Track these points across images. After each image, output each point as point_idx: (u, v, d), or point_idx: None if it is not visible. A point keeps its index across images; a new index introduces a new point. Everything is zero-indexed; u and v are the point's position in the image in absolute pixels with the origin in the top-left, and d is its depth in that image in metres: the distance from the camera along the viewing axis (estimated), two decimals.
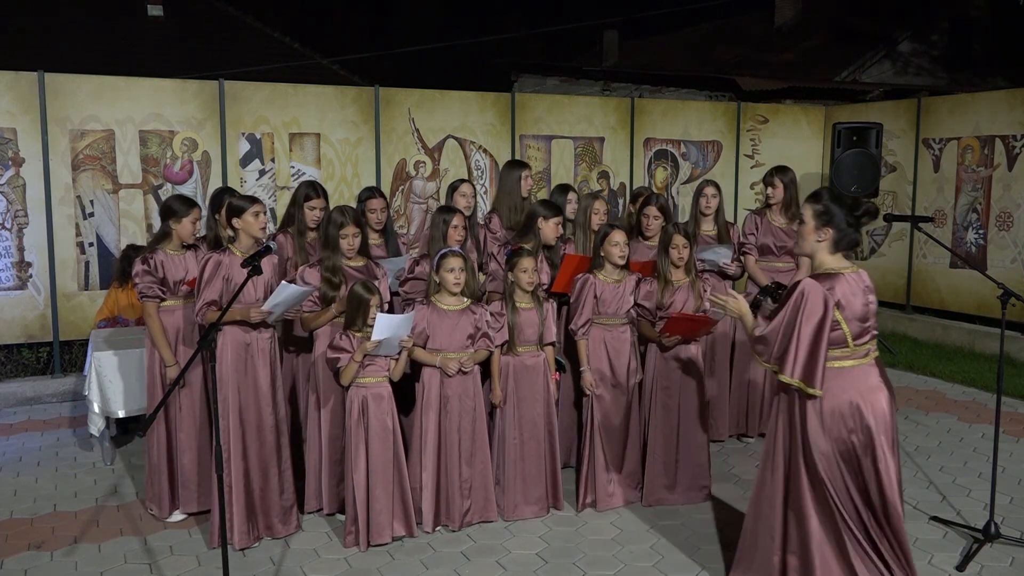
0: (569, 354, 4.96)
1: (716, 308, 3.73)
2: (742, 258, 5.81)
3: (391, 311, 4.71)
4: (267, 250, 3.80)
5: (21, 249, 6.78)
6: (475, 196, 5.62)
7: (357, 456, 4.20)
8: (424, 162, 8.11)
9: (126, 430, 5.90)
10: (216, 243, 4.86)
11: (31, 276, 6.83)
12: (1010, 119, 8.19)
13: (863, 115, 9.57)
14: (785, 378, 3.33)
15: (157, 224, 6.60)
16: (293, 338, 4.85)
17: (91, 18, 16.42)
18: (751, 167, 9.64)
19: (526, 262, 4.51)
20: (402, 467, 4.31)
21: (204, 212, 5.34)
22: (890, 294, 9.26)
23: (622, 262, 4.71)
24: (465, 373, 4.41)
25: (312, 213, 5.07)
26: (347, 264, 4.53)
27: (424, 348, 4.38)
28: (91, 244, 6.98)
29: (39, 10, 16.12)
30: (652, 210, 5.45)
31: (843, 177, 8.30)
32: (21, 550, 4.25)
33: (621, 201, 8.88)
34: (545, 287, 4.95)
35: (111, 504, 4.82)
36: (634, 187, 8.87)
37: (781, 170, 5.86)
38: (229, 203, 4.39)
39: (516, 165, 5.77)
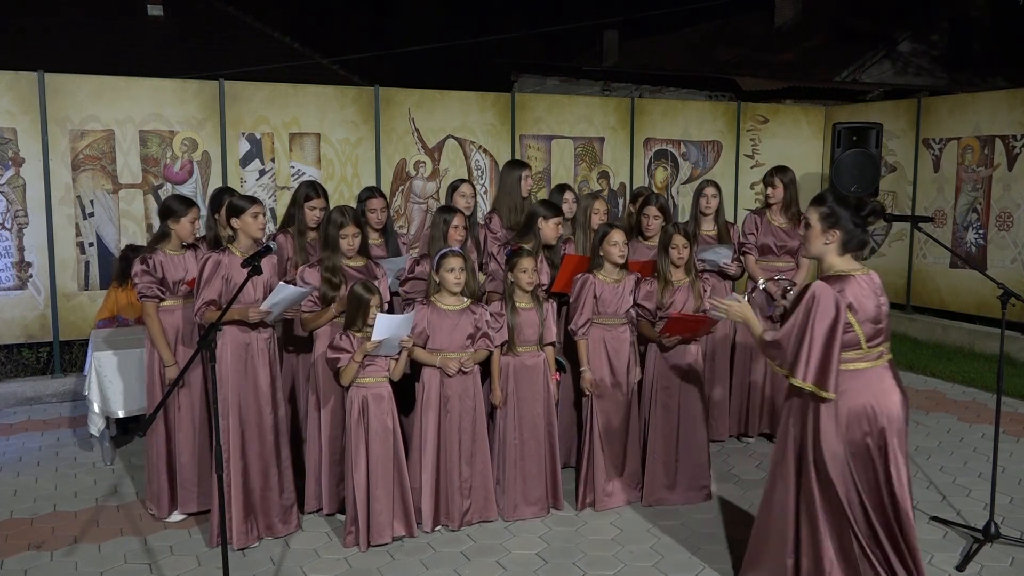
0: (569, 354, 4.96)
1: (718, 313, 3.70)
2: (742, 258, 5.81)
3: (391, 311, 4.71)
4: (267, 250, 3.80)
5: (21, 249, 6.78)
6: (475, 196, 5.62)
7: (357, 456, 4.20)
8: (424, 162, 8.11)
9: (126, 430, 5.90)
10: (216, 243, 4.86)
11: (31, 276, 6.83)
12: (1010, 119, 8.19)
13: (863, 115, 9.57)
14: (797, 382, 3.29)
15: (157, 224, 6.59)
16: (293, 338, 4.85)
17: (91, 18, 16.42)
18: (751, 167, 9.64)
19: (526, 262, 4.51)
20: (402, 467, 4.31)
21: (203, 212, 5.35)
22: (890, 294, 9.13)
23: (621, 261, 4.71)
24: (465, 373, 4.41)
25: (312, 213, 5.07)
26: (347, 264, 4.53)
27: (424, 348, 4.38)
28: (91, 244, 6.98)
29: (39, 10, 16.12)
30: (652, 210, 5.45)
31: (843, 177, 8.29)
32: (21, 550, 4.25)
33: (621, 201, 8.88)
34: (545, 287, 4.95)
35: (111, 504, 4.82)
36: (634, 187, 8.87)
37: (781, 170, 5.86)
38: (229, 202, 4.39)
39: (516, 165, 5.77)
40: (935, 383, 7.34)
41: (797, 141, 9.88)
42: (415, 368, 4.45)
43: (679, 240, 4.73)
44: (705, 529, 4.48)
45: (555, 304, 4.94)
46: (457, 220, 4.82)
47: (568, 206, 5.50)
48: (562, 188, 5.68)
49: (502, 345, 4.56)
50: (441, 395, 4.41)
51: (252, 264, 3.62)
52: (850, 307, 3.27)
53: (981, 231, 8.43)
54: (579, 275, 4.77)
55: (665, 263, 4.77)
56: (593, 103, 9.00)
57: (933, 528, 4.44)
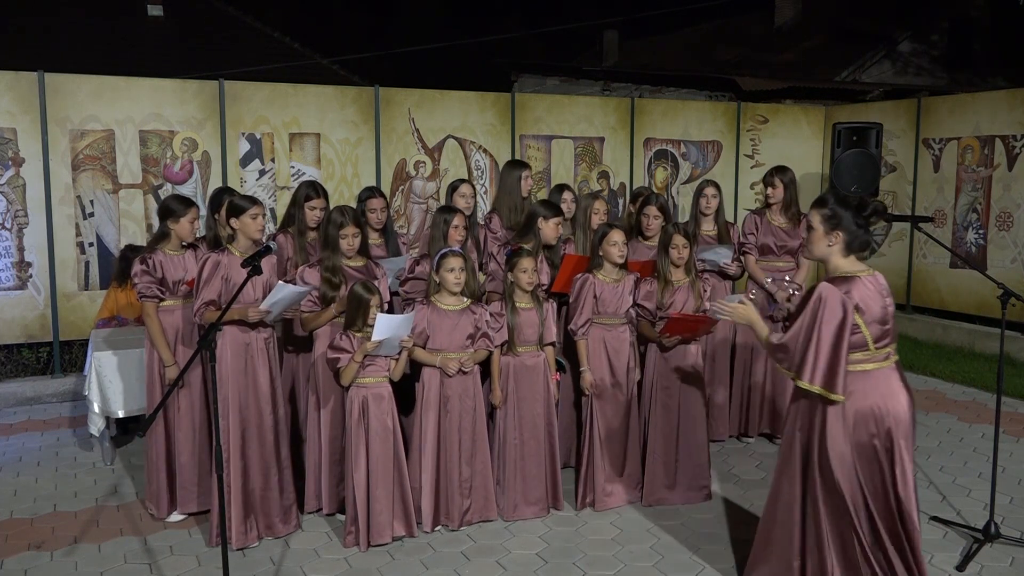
0: (568, 354, 4.96)
1: (722, 315, 3.68)
2: (742, 258, 5.81)
3: (391, 311, 4.71)
4: (267, 250, 3.80)
5: (21, 249, 6.78)
6: (475, 196, 5.62)
7: (357, 456, 4.20)
8: (424, 162, 8.11)
9: (126, 430, 5.90)
10: (215, 243, 4.86)
11: (31, 276, 6.83)
12: (1010, 119, 8.19)
13: (863, 115, 9.57)
14: (804, 384, 3.27)
15: (157, 224, 6.60)
16: (293, 338, 4.85)
17: (91, 18, 16.42)
18: (751, 167, 9.64)
19: (526, 262, 4.51)
20: (402, 467, 4.31)
21: (203, 212, 5.35)
22: None
23: (621, 261, 4.71)
24: (465, 373, 4.41)
25: (312, 213, 5.07)
26: (347, 264, 4.53)
27: (424, 348, 4.38)
28: (91, 244, 6.98)
29: (39, 10, 16.12)
30: (652, 210, 5.45)
31: (843, 177, 8.29)
32: (21, 550, 4.25)
33: (621, 201, 8.88)
34: (545, 287, 4.95)
35: (111, 504, 4.82)
36: (634, 187, 8.87)
37: (780, 170, 5.86)
38: (230, 202, 4.39)
39: (516, 165, 5.77)
40: (935, 383, 7.34)
41: (797, 141, 9.88)
42: (415, 368, 4.45)
43: (679, 240, 4.73)
44: (705, 529, 4.48)
45: (555, 304, 4.94)
46: (457, 220, 4.82)
47: (567, 206, 5.50)
48: (561, 188, 5.69)
49: (502, 345, 4.56)
50: (441, 395, 4.41)
51: (252, 264, 3.62)
52: (857, 308, 3.25)
53: (981, 231, 8.43)
54: (579, 275, 4.77)
55: (665, 263, 4.77)
56: (593, 103, 9.00)
57: (933, 528, 4.44)
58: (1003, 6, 17.02)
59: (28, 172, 6.76)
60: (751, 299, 3.60)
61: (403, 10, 31.04)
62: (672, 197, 9.26)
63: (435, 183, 8.14)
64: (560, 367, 4.89)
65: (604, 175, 8.95)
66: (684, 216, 8.65)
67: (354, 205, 5.00)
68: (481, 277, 5.15)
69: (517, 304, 4.57)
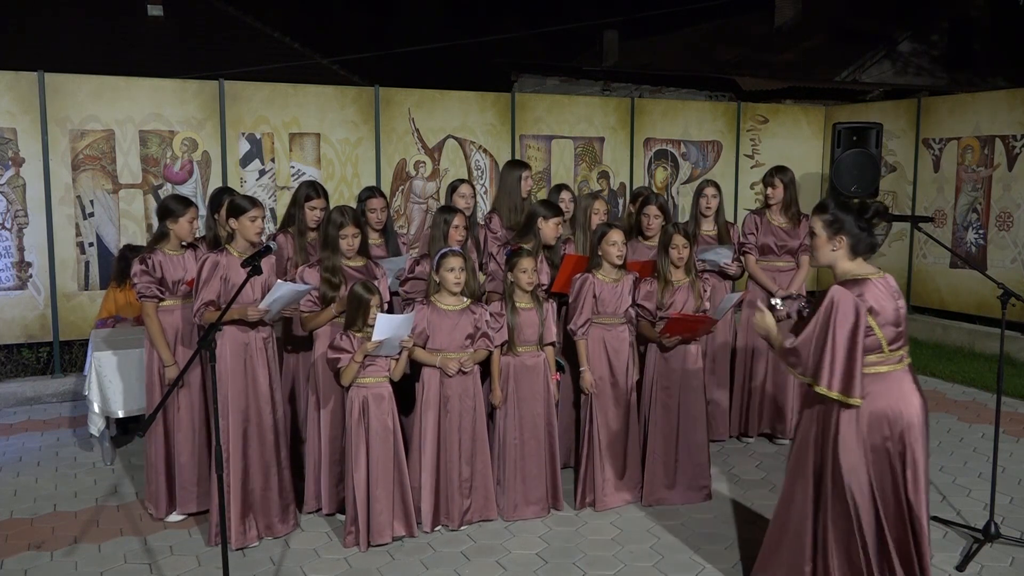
0: (568, 354, 4.96)
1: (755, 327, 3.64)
2: (742, 258, 5.81)
3: (391, 311, 4.71)
4: (267, 250, 3.80)
5: (21, 249, 6.78)
6: (474, 196, 5.62)
7: (357, 456, 4.20)
8: (424, 162, 8.11)
9: (126, 430, 5.90)
10: (215, 243, 4.86)
11: (31, 276, 6.83)
12: (1010, 119, 8.19)
13: (863, 115, 9.57)
14: (823, 390, 3.24)
15: (156, 224, 6.61)
16: (293, 338, 4.85)
17: (91, 18, 16.42)
18: (751, 167, 9.64)
19: (526, 262, 4.51)
20: (402, 467, 4.31)
21: (203, 212, 5.35)
22: None
23: (619, 261, 4.70)
24: (465, 373, 4.41)
25: (312, 213, 5.07)
26: (346, 264, 4.53)
27: (424, 348, 4.38)
28: (91, 244, 6.98)
29: (39, 10, 16.12)
30: (652, 209, 5.45)
31: (843, 177, 8.29)
32: (21, 550, 4.25)
33: (621, 201, 8.88)
34: (545, 287, 4.95)
35: (111, 504, 4.82)
36: (634, 187, 8.87)
37: (780, 170, 5.86)
38: (230, 201, 4.39)
39: (516, 165, 5.77)
40: (935, 383, 7.34)
41: (797, 141, 9.88)
42: (415, 368, 4.45)
43: (679, 240, 4.73)
44: (705, 529, 4.48)
45: (555, 304, 4.94)
46: (458, 220, 4.82)
47: (564, 205, 5.49)
48: (559, 188, 5.69)
49: (502, 345, 4.56)
50: (441, 395, 4.41)
51: (252, 264, 3.62)
52: (870, 310, 3.23)
53: (981, 231, 8.43)
54: (578, 275, 4.77)
55: (665, 263, 4.77)
56: (593, 103, 9.00)
57: (933, 528, 4.43)
58: (1003, 6, 17.02)
59: (28, 172, 6.76)
60: (772, 308, 3.57)
61: (403, 10, 31.05)
62: (672, 197, 9.26)
63: (435, 183, 8.14)
64: (559, 367, 4.89)
65: (604, 175, 8.95)
66: (684, 216, 8.65)
67: (354, 205, 5.00)
68: (481, 277, 5.15)
69: (517, 304, 4.57)
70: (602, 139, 8.89)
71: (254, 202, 4.31)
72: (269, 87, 7.58)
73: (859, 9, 20.09)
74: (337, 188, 7.65)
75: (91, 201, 6.96)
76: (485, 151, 8.35)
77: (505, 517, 4.57)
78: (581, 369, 4.71)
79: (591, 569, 4.05)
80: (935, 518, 4.53)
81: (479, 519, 4.52)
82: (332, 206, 4.75)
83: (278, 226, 5.66)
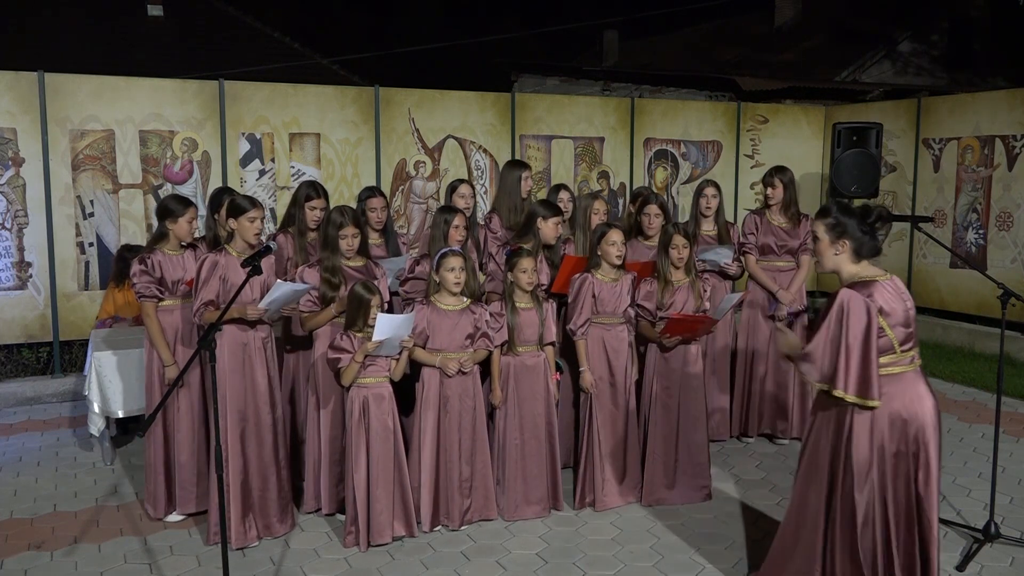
0: (567, 354, 4.96)
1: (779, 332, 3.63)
2: (742, 258, 5.81)
3: (391, 311, 4.71)
4: (267, 250, 3.80)
5: (21, 249, 6.78)
6: (474, 196, 5.62)
7: (358, 456, 4.20)
8: (424, 162, 8.11)
9: (126, 430, 5.90)
10: (215, 243, 4.86)
11: (31, 276, 6.83)
12: (1010, 119, 8.19)
13: (863, 115, 9.57)
14: (840, 393, 3.23)
15: (156, 224, 6.62)
16: (292, 338, 4.85)
17: (91, 18, 16.41)
18: (751, 167, 9.64)
19: (525, 262, 4.51)
20: (402, 467, 4.31)
21: (203, 212, 5.35)
22: None
23: (619, 262, 4.70)
24: (464, 373, 4.41)
25: (313, 213, 5.07)
26: (346, 264, 4.53)
27: (424, 348, 4.38)
28: (91, 244, 6.98)
29: (39, 10, 16.12)
30: (653, 208, 5.45)
31: (843, 177, 8.29)
32: (21, 550, 4.25)
33: (621, 201, 8.88)
34: (544, 287, 4.95)
35: (111, 504, 4.82)
36: (634, 187, 8.87)
37: (780, 170, 5.86)
38: (231, 201, 4.39)
39: (516, 165, 5.77)
40: (935, 383, 7.33)
41: (797, 141, 9.88)
42: (415, 368, 4.45)
43: (679, 240, 4.73)
44: (705, 529, 4.48)
45: (555, 304, 4.94)
46: (458, 220, 4.82)
47: (564, 206, 5.49)
48: (558, 188, 5.69)
49: (502, 345, 4.56)
50: (440, 395, 4.41)
51: (252, 264, 3.62)
52: (881, 311, 3.22)
53: (981, 231, 8.43)
54: (577, 275, 4.76)
55: (665, 263, 4.77)
56: (593, 103, 9.00)
57: None
58: (1003, 6, 17.01)
59: (28, 172, 6.76)
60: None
61: (403, 10, 31.02)
62: (672, 197, 9.26)
63: (435, 183, 8.14)
64: (557, 368, 4.89)
65: (604, 175, 8.95)
66: (684, 216, 8.65)
67: (354, 205, 5.00)
68: (481, 277, 5.15)
69: (517, 304, 4.57)
70: (602, 139, 8.89)
71: (254, 202, 4.31)
72: (269, 87, 7.58)
73: (859, 9, 20.09)
74: (337, 188, 7.65)
75: (91, 201, 6.96)
76: (485, 151, 8.35)
77: (506, 517, 4.57)
78: (581, 369, 4.70)
79: (591, 569, 4.05)
80: None
81: (479, 519, 4.52)
82: (332, 206, 4.75)
83: (278, 226, 5.66)
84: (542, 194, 7.91)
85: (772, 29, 22.80)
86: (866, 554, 3.30)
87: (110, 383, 5.25)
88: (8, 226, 6.74)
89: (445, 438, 4.42)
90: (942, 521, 4.48)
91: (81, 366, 6.97)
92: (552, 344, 4.71)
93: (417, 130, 8.06)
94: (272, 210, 7.37)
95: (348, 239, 4.47)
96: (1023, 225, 8.08)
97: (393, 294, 4.95)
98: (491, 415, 4.67)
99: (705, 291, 4.88)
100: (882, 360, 3.26)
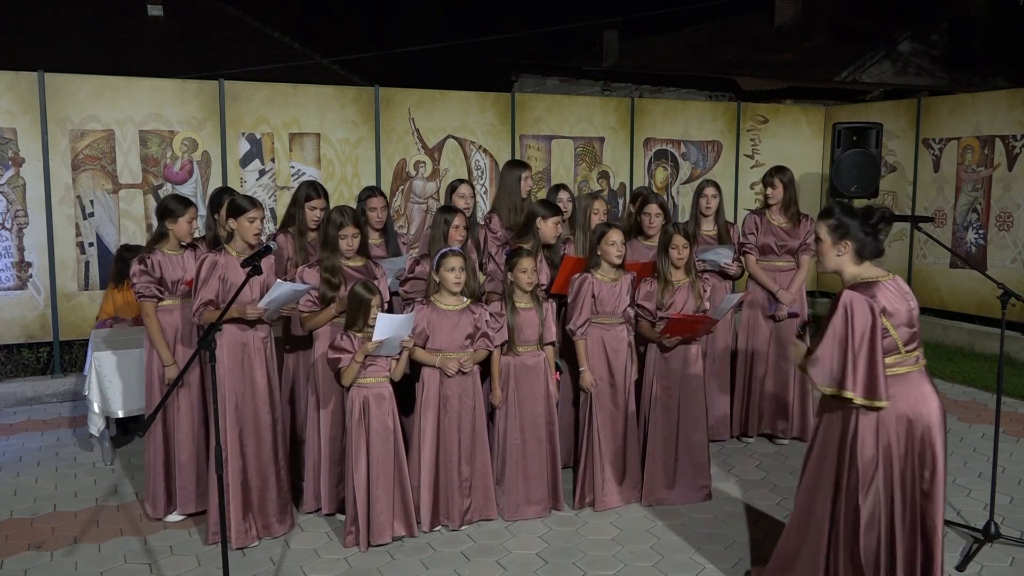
0: (566, 354, 4.95)
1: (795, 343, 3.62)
2: (742, 258, 5.81)
3: (391, 311, 4.71)
4: (267, 250, 3.80)
5: (21, 249, 6.78)
6: (474, 197, 5.62)
7: (358, 456, 4.20)
8: (424, 162, 8.11)
9: (126, 430, 5.90)
10: (215, 243, 4.86)
11: (31, 276, 6.83)
12: (1010, 119, 8.19)
13: (863, 115, 9.57)
14: (849, 395, 3.21)
15: (156, 224, 6.62)
16: (292, 338, 4.85)
17: (91, 18, 16.42)
18: (751, 167, 9.64)
19: (525, 262, 4.51)
20: (403, 467, 4.31)
21: (203, 212, 5.35)
22: None
23: (619, 261, 4.70)
24: (464, 373, 4.41)
25: (313, 213, 5.07)
26: (346, 264, 4.53)
27: (424, 348, 4.38)
28: (91, 244, 6.98)
29: (39, 10, 16.12)
30: (654, 207, 5.45)
31: (843, 177, 8.29)
32: (21, 550, 4.25)
33: (621, 201, 8.88)
34: (544, 287, 4.95)
35: (111, 504, 4.82)
36: (634, 187, 8.87)
37: (780, 170, 5.86)
38: (231, 201, 4.39)
39: (516, 165, 5.76)
40: (935, 383, 7.33)
41: (797, 141, 9.88)
42: (415, 368, 4.45)
43: (679, 240, 4.73)
44: (705, 529, 4.48)
45: (555, 304, 4.94)
46: (458, 220, 4.82)
47: (563, 206, 5.49)
48: (557, 188, 5.69)
49: (502, 345, 4.56)
50: (440, 395, 4.41)
51: (252, 264, 3.62)
52: (884, 311, 3.21)
53: (981, 231, 8.43)
54: (577, 275, 4.76)
55: (665, 263, 4.77)
56: (593, 103, 8.99)
57: None
58: (1003, 6, 17.01)
59: (28, 172, 6.76)
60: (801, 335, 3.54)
61: (403, 10, 31.03)
62: (672, 197, 9.26)
63: (435, 183, 8.14)
64: (557, 368, 4.88)
65: (604, 175, 8.95)
66: (684, 216, 8.65)
67: (354, 205, 5.00)
68: (481, 277, 5.15)
69: (517, 304, 4.57)
70: (602, 139, 8.89)
71: (254, 203, 4.31)
72: (269, 87, 7.58)
73: (859, 9, 20.09)
74: (337, 188, 7.65)
75: (91, 201, 6.96)
76: (485, 151, 8.35)
77: (506, 517, 4.57)
78: (581, 369, 4.70)
79: (591, 569, 4.05)
80: None
81: (479, 519, 4.52)
82: (332, 206, 4.75)
83: (278, 226, 5.66)
84: (542, 194, 7.91)
85: (772, 29, 22.80)
86: (868, 555, 3.30)
87: (110, 383, 5.25)
88: (8, 226, 6.74)
89: (445, 438, 4.42)
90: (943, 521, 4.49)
91: (81, 366, 6.97)
92: (552, 344, 4.71)
93: (417, 130, 8.06)
94: (272, 210, 7.37)
95: (348, 239, 4.47)
96: (1023, 225, 8.08)
97: (393, 294, 4.94)
98: (491, 415, 4.67)
99: (705, 291, 4.88)
100: (887, 360, 3.25)
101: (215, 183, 7.13)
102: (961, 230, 8.62)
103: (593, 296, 4.68)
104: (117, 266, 6.27)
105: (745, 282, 5.94)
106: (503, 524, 4.53)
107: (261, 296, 4.24)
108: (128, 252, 6.13)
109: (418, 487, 4.40)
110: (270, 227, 6.95)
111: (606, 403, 4.73)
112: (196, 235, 4.87)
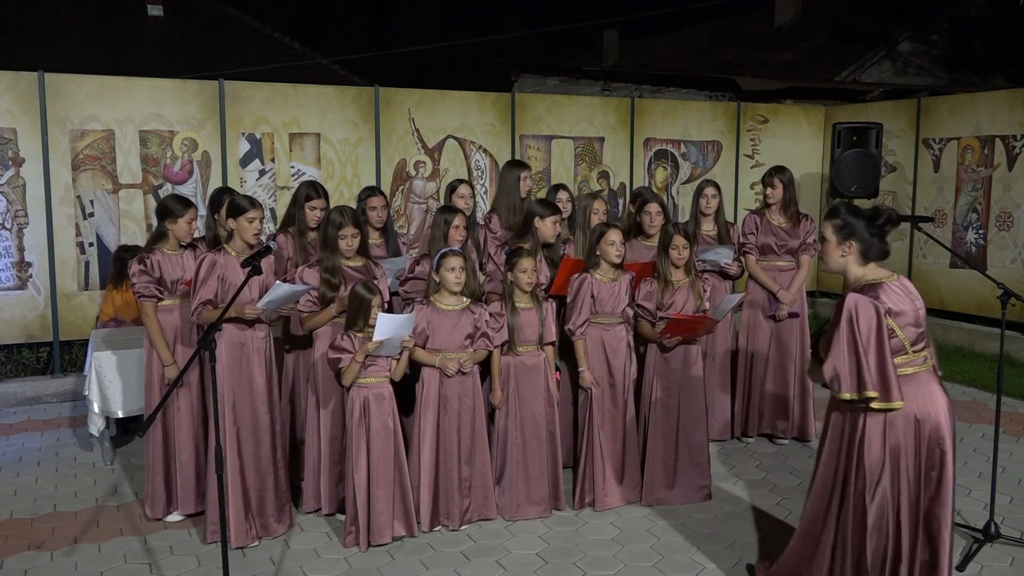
0: (566, 354, 4.95)
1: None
2: (742, 258, 5.81)
3: (391, 311, 4.71)
4: (267, 250, 3.80)
5: (21, 249, 6.78)
6: (474, 197, 5.62)
7: (358, 456, 4.20)
8: (424, 162, 8.11)
9: (126, 430, 5.90)
10: (215, 243, 4.86)
11: (31, 276, 6.83)
12: (1010, 119, 8.19)
13: (863, 115, 9.57)
14: (872, 393, 3.17)
15: (156, 224, 6.61)
16: (292, 338, 4.85)
17: (91, 18, 16.42)
18: (751, 167, 9.64)
19: (525, 262, 4.51)
20: (403, 467, 4.31)
21: (202, 212, 5.35)
22: None
23: (618, 261, 4.70)
24: (464, 374, 4.41)
25: (313, 213, 5.06)
26: (346, 264, 4.53)
27: (424, 348, 4.38)
28: (91, 244, 6.98)
29: (39, 10, 16.12)
30: (654, 207, 5.45)
31: (843, 177, 8.29)
32: (21, 550, 4.25)
33: (621, 201, 8.88)
34: (544, 287, 4.94)
35: (111, 504, 4.82)
36: (634, 187, 8.87)
37: (779, 170, 5.86)
38: (231, 201, 4.39)
39: (516, 165, 5.76)
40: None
41: (797, 141, 9.88)
42: (415, 368, 4.45)
43: (679, 240, 4.72)
44: (705, 529, 4.48)
45: (555, 303, 4.94)
46: (458, 220, 4.82)
47: (562, 206, 5.49)
48: (557, 188, 5.68)
49: (502, 345, 4.55)
50: (440, 395, 4.41)
51: (252, 264, 3.62)
52: (889, 312, 3.20)
53: (981, 231, 8.43)
54: (576, 275, 4.76)
55: (665, 263, 4.77)
56: (593, 103, 9.00)
57: None
58: (1003, 6, 17.01)
59: (28, 172, 6.76)
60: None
61: (403, 10, 31.03)
62: (672, 197, 9.26)
63: (435, 183, 8.15)
64: (556, 368, 4.88)
65: (604, 175, 8.95)
66: (684, 216, 8.65)
67: (354, 205, 5.00)
68: (481, 277, 5.15)
69: (517, 304, 4.57)
70: (602, 139, 8.89)
71: (253, 203, 4.31)
72: (269, 87, 7.58)
73: (859, 9, 20.09)
74: (337, 188, 7.65)
75: (91, 201, 6.96)
76: (485, 151, 8.35)
77: (507, 517, 4.57)
78: (580, 369, 4.70)
79: (591, 569, 4.05)
80: None
81: (479, 518, 4.52)
82: (332, 206, 4.75)
83: (278, 226, 5.65)
84: (542, 194, 7.91)
85: (772, 29, 22.80)
86: (874, 557, 3.29)
87: (110, 383, 5.25)
88: (8, 226, 6.74)
89: (445, 438, 4.42)
90: None
91: (81, 366, 6.97)
92: (552, 344, 4.71)
93: (417, 130, 8.06)
94: (272, 210, 7.37)
95: (348, 239, 4.47)
96: (1023, 225, 8.08)
97: (393, 294, 4.94)
98: (491, 415, 4.67)
99: (705, 291, 4.88)
100: (896, 360, 3.23)
101: (215, 183, 7.13)
102: (961, 230, 8.62)
103: (592, 296, 4.68)
104: (115, 267, 6.28)
105: (745, 282, 5.94)
106: (503, 524, 4.53)
107: (260, 296, 4.24)
108: (126, 252, 6.13)
109: (418, 487, 4.40)
110: (270, 227, 6.95)
111: (606, 403, 4.73)
112: (196, 235, 4.87)
